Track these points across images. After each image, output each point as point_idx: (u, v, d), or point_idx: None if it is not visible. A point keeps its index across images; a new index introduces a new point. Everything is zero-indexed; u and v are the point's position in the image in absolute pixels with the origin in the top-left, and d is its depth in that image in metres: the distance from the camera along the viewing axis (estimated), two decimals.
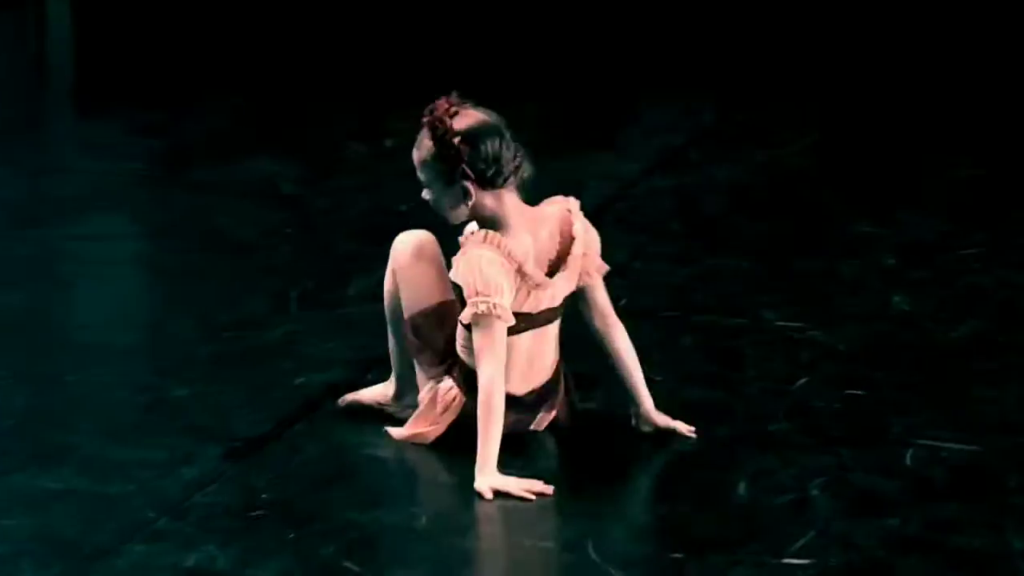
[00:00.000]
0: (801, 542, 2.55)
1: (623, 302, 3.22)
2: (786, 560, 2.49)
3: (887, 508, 2.67)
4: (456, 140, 2.75)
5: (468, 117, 2.77)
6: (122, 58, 6.82)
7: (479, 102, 2.85)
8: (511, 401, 2.86)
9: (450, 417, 2.91)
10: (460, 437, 2.84)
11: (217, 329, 3.58)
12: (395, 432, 2.97)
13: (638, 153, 5.20)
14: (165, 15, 7.01)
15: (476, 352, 2.80)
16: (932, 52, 6.30)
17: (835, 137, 5.49)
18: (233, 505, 2.71)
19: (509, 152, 2.80)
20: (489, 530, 2.72)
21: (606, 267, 2.95)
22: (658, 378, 3.10)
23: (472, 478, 2.71)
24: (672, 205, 4.64)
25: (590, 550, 2.53)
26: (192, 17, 6.95)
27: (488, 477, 2.75)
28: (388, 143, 5.18)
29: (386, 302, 3.01)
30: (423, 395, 2.95)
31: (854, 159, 5.21)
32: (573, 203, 2.91)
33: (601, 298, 2.95)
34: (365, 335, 3.40)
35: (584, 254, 2.88)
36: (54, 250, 4.26)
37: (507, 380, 2.87)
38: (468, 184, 2.78)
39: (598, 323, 2.95)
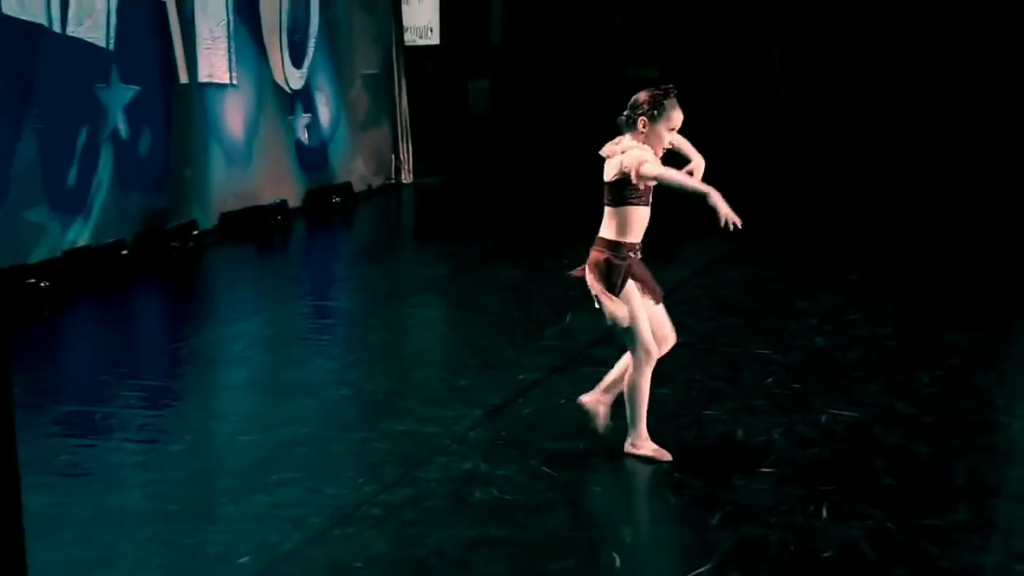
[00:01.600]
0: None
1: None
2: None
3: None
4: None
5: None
6: (436, 217, 12.09)
7: None
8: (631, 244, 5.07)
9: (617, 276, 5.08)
10: None
11: (482, 350, 7.20)
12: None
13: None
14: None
15: (647, 171, 4.93)
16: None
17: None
18: None
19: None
20: None
21: None
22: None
23: None
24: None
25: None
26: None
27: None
28: None
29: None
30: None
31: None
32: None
33: None
34: (553, 355, 7.03)
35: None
36: (403, 313, 8.41)
37: (633, 233, 5.06)
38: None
39: None
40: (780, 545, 4.46)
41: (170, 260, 9.91)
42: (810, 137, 13.49)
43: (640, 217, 5.17)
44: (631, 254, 5.18)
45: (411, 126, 14.18)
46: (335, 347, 7.50)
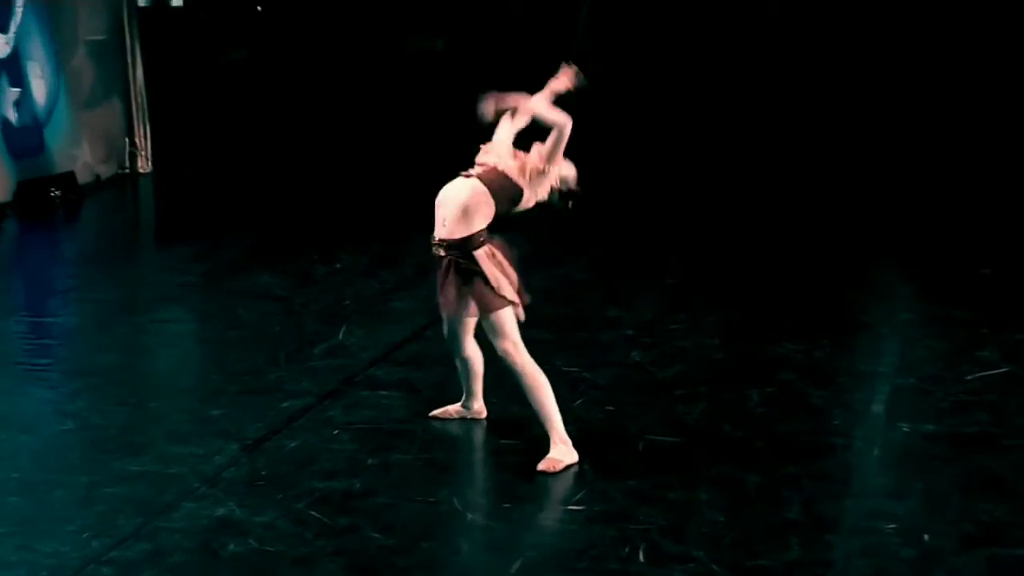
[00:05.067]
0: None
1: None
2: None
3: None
4: None
5: None
6: (182, 214, 11.88)
7: None
8: None
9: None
10: None
11: (238, 373, 7.16)
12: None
13: None
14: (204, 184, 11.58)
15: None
16: None
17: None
18: None
19: None
20: None
21: None
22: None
23: None
24: None
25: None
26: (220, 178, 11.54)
27: None
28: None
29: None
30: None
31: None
32: None
33: None
34: (324, 376, 7.01)
35: None
36: (141, 329, 8.21)
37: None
38: None
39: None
40: None
41: None
42: (624, 119, 13.78)
43: None
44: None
45: (149, 104, 13.97)
46: (54, 372, 7.27)
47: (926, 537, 4.91)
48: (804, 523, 5.06)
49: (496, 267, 5.63)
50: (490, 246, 5.67)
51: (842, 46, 13.44)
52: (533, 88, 5.73)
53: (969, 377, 6.80)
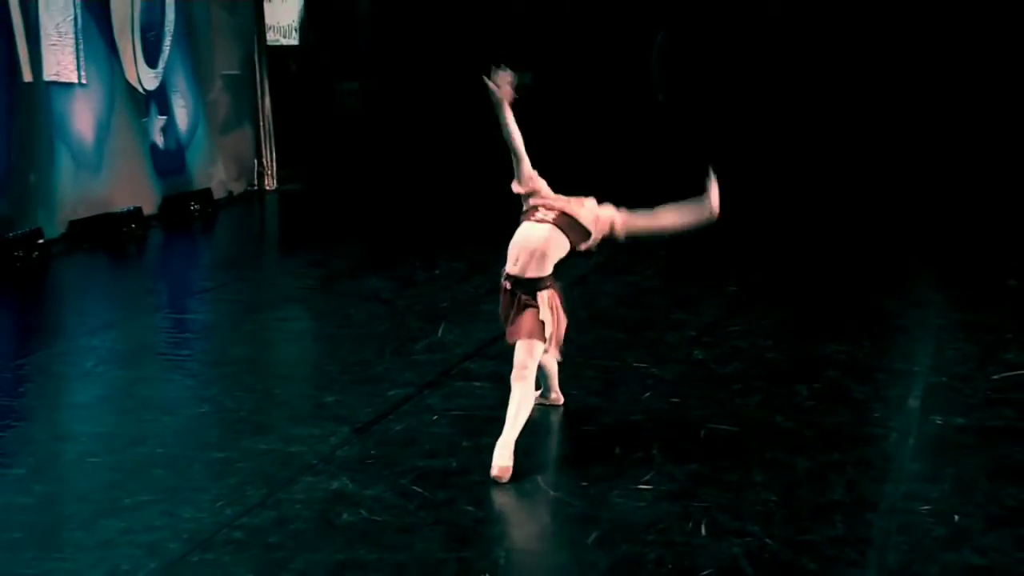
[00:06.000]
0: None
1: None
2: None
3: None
4: None
5: None
6: (302, 226, 12.13)
7: None
8: None
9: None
10: None
11: (350, 365, 7.19)
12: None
13: None
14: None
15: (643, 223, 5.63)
16: None
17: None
18: None
19: None
20: None
21: None
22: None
23: None
24: None
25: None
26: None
27: None
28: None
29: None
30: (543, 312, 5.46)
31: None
32: None
33: None
34: (424, 369, 7.06)
35: None
36: (266, 326, 8.33)
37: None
38: None
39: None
40: (658, 563, 4.52)
41: (13, 271, 9.66)
42: (691, 144, 13.74)
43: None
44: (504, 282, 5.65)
45: (274, 130, 14.12)
46: (193, 362, 7.39)
47: (956, 518, 4.85)
48: (847, 503, 5.02)
49: (550, 311, 5.52)
50: (552, 291, 5.57)
51: (889, 61, 13.23)
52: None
53: (995, 376, 6.70)
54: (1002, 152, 12.60)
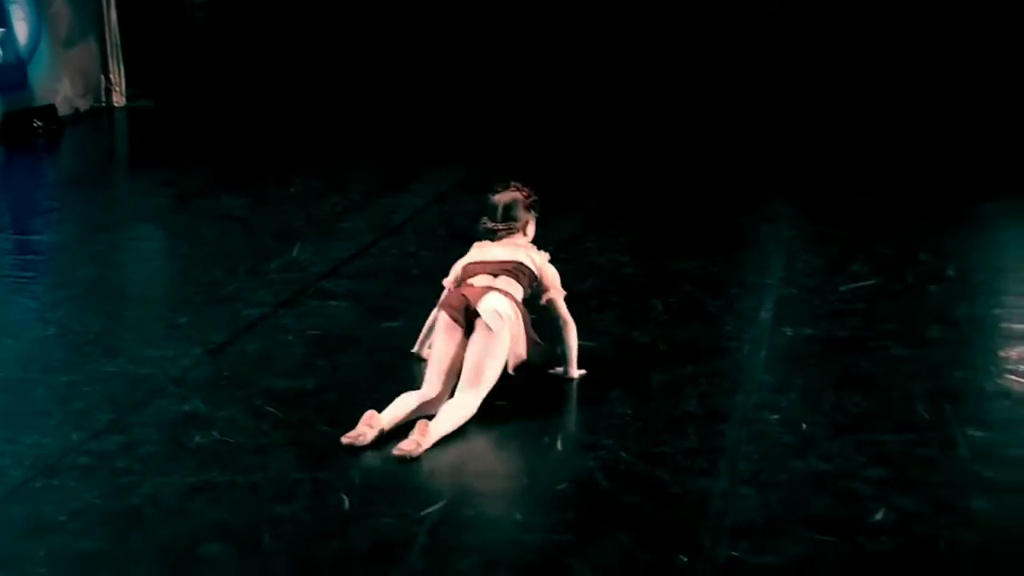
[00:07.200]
0: None
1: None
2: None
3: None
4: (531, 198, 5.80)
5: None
6: (152, 143, 11.75)
7: None
8: None
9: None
10: None
11: (203, 285, 7.00)
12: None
13: None
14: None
15: (565, 314, 5.35)
16: None
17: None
18: None
19: None
20: None
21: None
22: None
23: None
24: None
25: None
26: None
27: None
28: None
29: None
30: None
31: None
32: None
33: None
34: (279, 288, 6.92)
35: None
36: (116, 246, 8.07)
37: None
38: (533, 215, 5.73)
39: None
40: (512, 478, 4.54)
41: None
42: (551, 59, 13.67)
43: None
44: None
45: (122, 43, 13.64)
46: (38, 284, 7.18)
47: (804, 426, 4.96)
48: (700, 415, 5.10)
49: (520, 326, 5.23)
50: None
51: None
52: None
53: (843, 288, 6.85)
54: (861, 79, 12.84)
